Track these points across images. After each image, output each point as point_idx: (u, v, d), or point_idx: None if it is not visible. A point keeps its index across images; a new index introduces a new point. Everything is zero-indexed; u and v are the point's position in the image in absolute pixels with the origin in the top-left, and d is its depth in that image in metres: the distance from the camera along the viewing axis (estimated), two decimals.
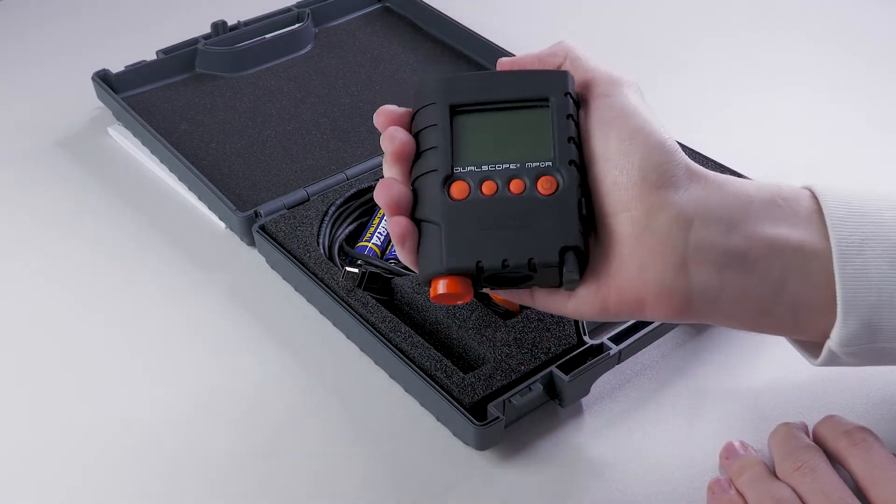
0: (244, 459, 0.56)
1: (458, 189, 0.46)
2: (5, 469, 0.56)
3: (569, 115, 0.47)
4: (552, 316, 0.60)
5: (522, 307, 0.61)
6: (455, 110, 0.48)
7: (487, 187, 0.46)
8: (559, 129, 0.47)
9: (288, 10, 0.92)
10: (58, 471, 0.56)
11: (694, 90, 0.88)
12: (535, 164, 0.46)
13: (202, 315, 0.66)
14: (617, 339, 0.58)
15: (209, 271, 0.70)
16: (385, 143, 0.49)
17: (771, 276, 0.45)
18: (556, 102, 0.47)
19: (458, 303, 0.47)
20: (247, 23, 0.90)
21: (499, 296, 0.61)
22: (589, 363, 0.57)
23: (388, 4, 0.97)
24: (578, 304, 0.47)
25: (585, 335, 0.59)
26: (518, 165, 0.46)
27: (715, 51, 0.94)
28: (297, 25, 0.91)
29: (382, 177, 0.49)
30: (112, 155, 0.81)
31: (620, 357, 0.58)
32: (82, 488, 0.55)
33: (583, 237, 0.45)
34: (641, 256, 0.45)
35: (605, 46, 0.94)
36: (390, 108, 0.50)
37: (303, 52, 0.90)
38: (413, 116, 0.50)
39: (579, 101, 0.48)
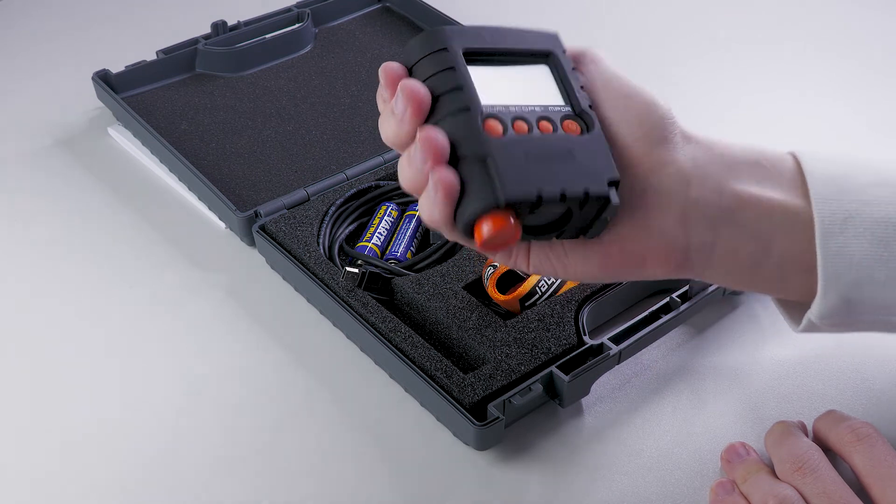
0: (244, 459, 0.56)
1: (493, 127, 0.44)
2: (5, 469, 0.56)
3: (573, 68, 0.48)
4: (552, 316, 0.60)
5: (522, 307, 0.61)
6: (467, 57, 0.46)
7: (519, 126, 0.44)
8: (570, 79, 0.47)
9: (288, 10, 0.92)
10: (57, 470, 0.56)
11: (695, 89, 0.88)
12: (556, 108, 0.46)
13: (202, 315, 0.66)
14: (617, 339, 0.58)
15: (209, 271, 0.70)
16: (404, 97, 0.44)
17: (759, 234, 0.46)
18: (558, 56, 0.48)
19: (503, 248, 0.43)
20: (247, 23, 0.90)
21: (499, 295, 0.61)
22: (589, 363, 0.57)
23: (388, 4, 0.97)
24: (579, 263, 0.47)
25: (585, 335, 0.59)
26: (542, 108, 0.46)
27: (715, 50, 0.94)
28: (297, 25, 0.91)
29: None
30: (112, 155, 0.81)
31: (620, 357, 0.58)
32: (81, 487, 0.55)
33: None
34: (644, 213, 0.45)
35: (607, 47, 0.93)
36: (395, 65, 0.47)
37: (303, 52, 0.90)
38: (415, 66, 0.47)
39: None
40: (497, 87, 0.46)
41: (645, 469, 0.55)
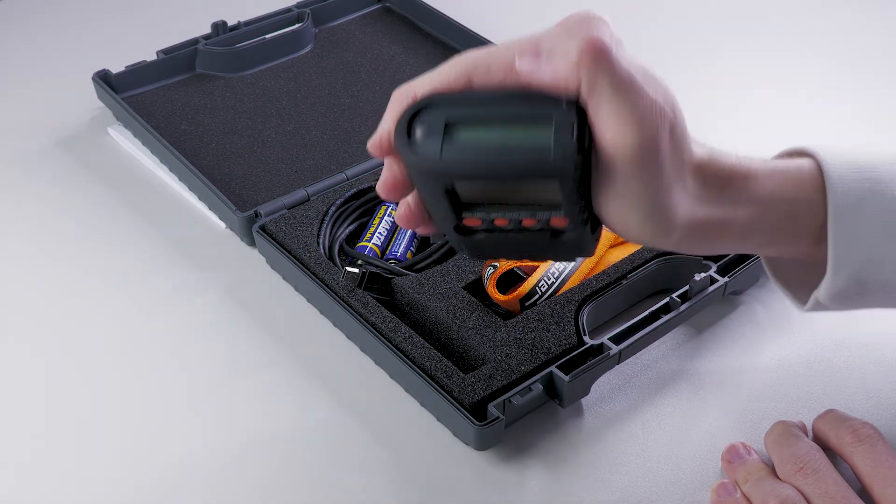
0: (243, 459, 0.56)
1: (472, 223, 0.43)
2: (4, 468, 0.56)
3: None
4: (552, 316, 0.60)
5: (522, 307, 0.61)
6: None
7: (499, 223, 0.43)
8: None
9: (288, 10, 0.92)
10: (56, 469, 0.56)
11: (696, 90, 0.88)
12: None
13: (202, 315, 0.66)
14: (617, 339, 0.58)
15: (209, 271, 0.70)
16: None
17: (771, 207, 0.46)
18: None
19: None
20: (247, 23, 0.90)
21: (499, 295, 0.61)
22: (589, 363, 0.57)
23: (388, 4, 0.97)
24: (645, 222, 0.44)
25: (585, 335, 0.59)
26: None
27: (715, 50, 0.94)
28: (297, 25, 0.91)
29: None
30: (112, 155, 0.81)
31: (620, 357, 0.58)
32: (81, 487, 0.55)
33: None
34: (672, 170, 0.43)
35: None
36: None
37: (303, 52, 0.90)
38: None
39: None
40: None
41: (645, 469, 0.55)
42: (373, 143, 0.44)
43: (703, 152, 0.44)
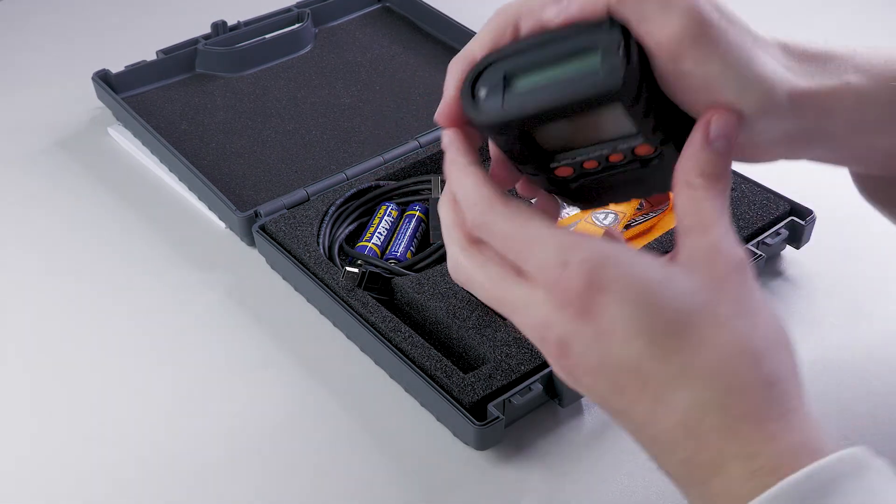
0: (244, 458, 0.56)
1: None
2: (4, 468, 0.56)
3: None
4: None
5: None
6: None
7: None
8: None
9: (288, 10, 0.92)
10: (56, 468, 0.56)
11: None
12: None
13: (202, 315, 0.66)
14: None
15: (209, 271, 0.70)
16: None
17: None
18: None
19: None
20: (247, 23, 0.90)
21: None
22: None
23: (388, 4, 0.97)
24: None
25: None
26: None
27: None
28: (297, 25, 0.91)
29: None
30: (112, 155, 0.81)
31: None
32: (80, 486, 0.55)
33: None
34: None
35: None
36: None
37: (303, 52, 0.90)
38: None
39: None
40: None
41: (645, 469, 0.55)
42: (440, 114, 0.43)
43: (780, 37, 0.42)
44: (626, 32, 0.38)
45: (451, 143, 0.42)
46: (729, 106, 0.39)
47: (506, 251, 0.40)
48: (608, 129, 0.41)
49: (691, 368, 0.37)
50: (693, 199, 0.39)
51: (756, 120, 0.40)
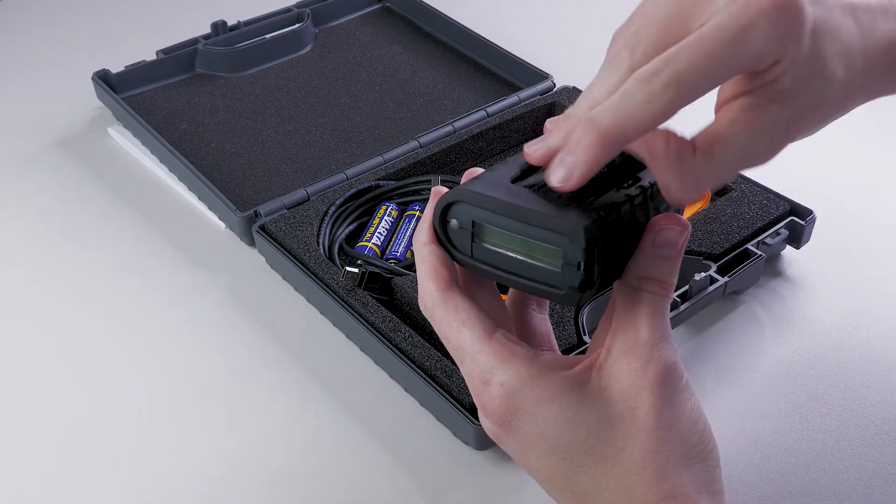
0: (243, 458, 0.56)
1: None
2: (4, 468, 0.56)
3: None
4: (552, 315, 0.60)
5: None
6: None
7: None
8: None
9: (288, 10, 0.92)
10: (55, 467, 0.56)
11: None
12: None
13: (202, 315, 0.66)
14: None
15: (209, 271, 0.70)
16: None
17: None
18: None
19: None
20: (247, 23, 0.90)
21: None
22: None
23: (388, 4, 0.97)
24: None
25: (585, 335, 0.59)
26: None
27: None
28: (297, 25, 0.91)
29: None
30: (112, 155, 0.81)
31: None
32: (80, 486, 0.55)
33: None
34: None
35: (605, 46, 0.93)
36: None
37: (303, 52, 0.90)
38: None
39: None
40: None
41: None
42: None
43: None
44: (592, 243, 0.38)
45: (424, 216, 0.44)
46: (680, 217, 0.40)
47: (443, 342, 0.43)
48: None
49: (599, 483, 0.40)
50: (628, 300, 0.41)
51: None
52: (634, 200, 0.40)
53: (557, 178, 0.37)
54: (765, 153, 0.39)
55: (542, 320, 0.46)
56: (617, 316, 0.41)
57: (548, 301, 0.47)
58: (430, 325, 0.61)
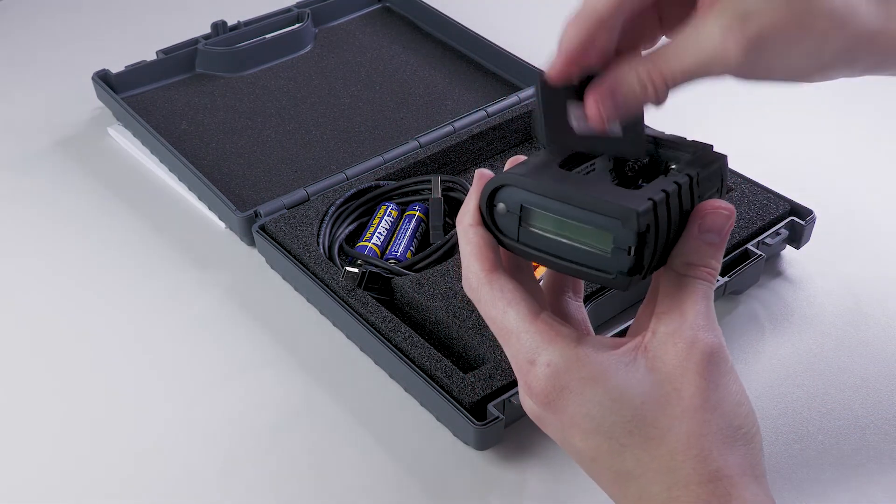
0: (243, 458, 0.56)
1: None
2: (3, 468, 0.56)
3: None
4: None
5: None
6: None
7: None
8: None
9: (288, 10, 0.92)
10: (55, 467, 0.56)
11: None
12: None
13: (202, 315, 0.66)
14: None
15: (209, 271, 0.70)
16: None
17: None
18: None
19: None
20: (247, 23, 0.90)
21: None
22: None
23: (388, 4, 0.97)
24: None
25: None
26: None
27: None
28: (297, 25, 0.91)
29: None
30: (112, 155, 0.81)
31: None
32: (79, 485, 0.55)
33: None
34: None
35: None
36: None
37: (303, 52, 0.90)
38: None
39: None
40: None
41: None
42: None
43: None
44: (643, 234, 0.39)
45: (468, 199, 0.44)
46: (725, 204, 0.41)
47: (487, 323, 0.43)
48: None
49: (643, 463, 0.39)
50: (674, 284, 0.41)
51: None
52: (682, 188, 0.40)
53: None
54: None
55: (577, 307, 0.47)
56: (661, 300, 0.41)
57: (582, 287, 0.47)
58: (429, 325, 0.61)
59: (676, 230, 0.41)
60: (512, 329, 0.41)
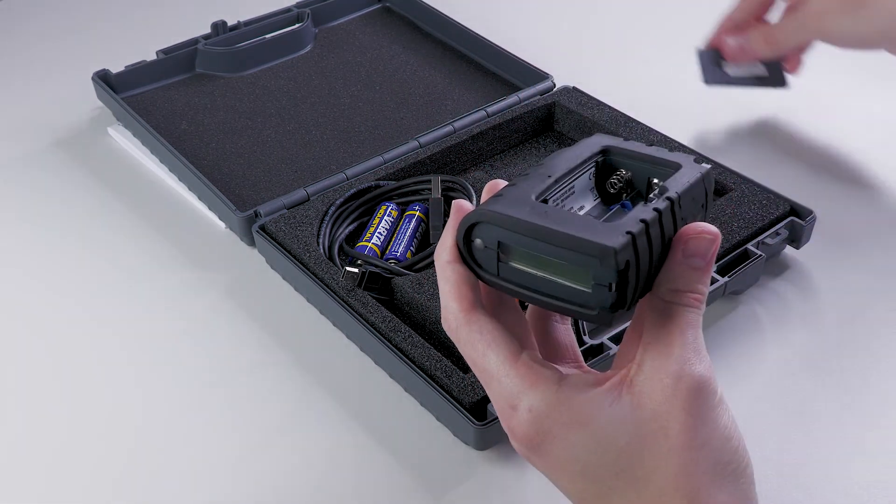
0: (243, 458, 0.56)
1: None
2: (3, 469, 0.56)
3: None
4: None
5: (522, 307, 0.61)
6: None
7: None
8: None
9: (288, 10, 0.92)
10: (55, 467, 0.56)
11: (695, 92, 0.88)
12: None
13: (202, 315, 0.66)
14: (617, 339, 0.58)
15: (209, 271, 0.70)
16: None
17: None
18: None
19: None
20: (247, 23, 0.90)
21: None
22: (589, 363, 0.57)
23: (388, 4, 0.97)
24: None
25: (585, 335, 0.59)
26: None
27: None
28: (297, 25, 0.91)
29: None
30: (112, 155, 0.81)
31: None
32: (79, 485, 0.55)
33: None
34: None
35: (605, 46, 0.94)
36: None
37: (303, 52, 0.90)
38: None
39: None
40: None
41: None
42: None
43: None
44: (623, 272, 0.38)
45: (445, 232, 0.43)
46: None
47: (468, 364, 0.42)
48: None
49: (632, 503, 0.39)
50: (660, 313, 0.40)
51: None
52: (663, 214, 0.39)
53: None
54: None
55: (564, 331, 0.46)
56: (647, 329, 0.40)
57: None
58: (429, 325, 0.61)
59: (660, 257, 0.40)
60: (492, 372, 0.41)
